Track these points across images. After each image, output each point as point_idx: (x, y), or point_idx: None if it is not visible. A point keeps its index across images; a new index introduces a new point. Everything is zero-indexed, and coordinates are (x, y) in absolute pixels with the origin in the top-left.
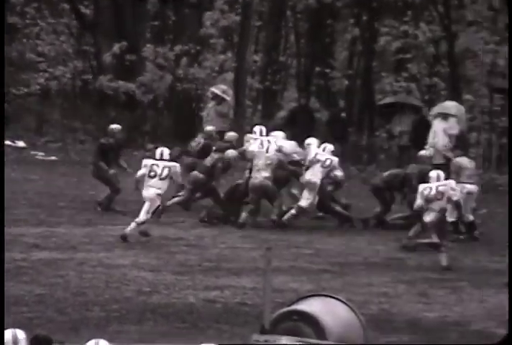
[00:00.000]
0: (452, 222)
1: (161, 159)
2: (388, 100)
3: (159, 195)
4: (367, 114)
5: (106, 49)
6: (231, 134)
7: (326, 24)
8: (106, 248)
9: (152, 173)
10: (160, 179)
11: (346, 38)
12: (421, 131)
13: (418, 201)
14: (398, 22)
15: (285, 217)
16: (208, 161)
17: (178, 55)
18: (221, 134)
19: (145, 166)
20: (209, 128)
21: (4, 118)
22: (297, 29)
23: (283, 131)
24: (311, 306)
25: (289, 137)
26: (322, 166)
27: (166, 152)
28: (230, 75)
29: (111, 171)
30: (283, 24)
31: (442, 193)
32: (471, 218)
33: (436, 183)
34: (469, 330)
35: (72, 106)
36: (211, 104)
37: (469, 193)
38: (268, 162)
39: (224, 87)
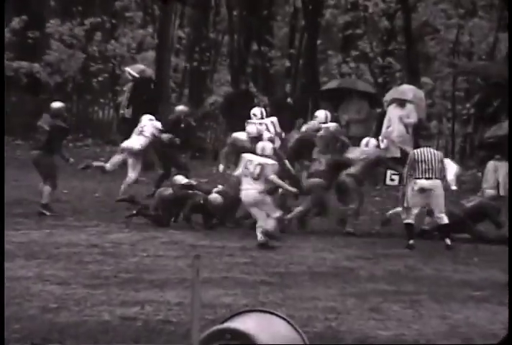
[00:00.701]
0: (409, 225)
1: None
2: (332, 84)
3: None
4: (311, 101)
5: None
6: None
7: None
8: (6, 257)
9: (246, 171)
10: (253, 179)
11: (287, 11)
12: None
13: None
14: None
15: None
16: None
17: (89, 30)
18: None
19: (242, 162)
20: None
21: (4, 118)
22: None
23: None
24: (246, 323)
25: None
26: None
27: (268, 146)
28: (151, 54)
29: (71, 160)
30: None
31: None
32: (444, 220)
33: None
34: None
35: None
36: (128, 87)
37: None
38: (363, 156)
39: (141, 66)
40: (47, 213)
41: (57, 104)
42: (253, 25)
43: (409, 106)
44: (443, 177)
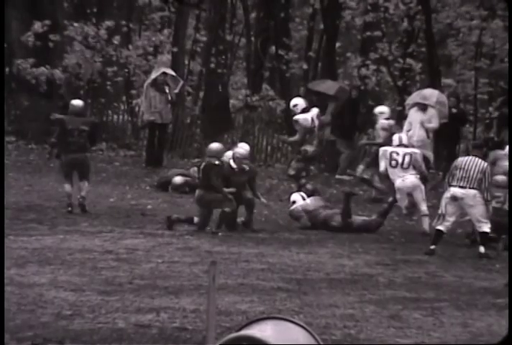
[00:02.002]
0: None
1: (400, 144)
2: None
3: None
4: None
5: (19, 28)
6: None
7: None
8: (18, 263)
9: (393, 162)
10: (403, 168)
11: (305, 13)
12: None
13: None
14: None
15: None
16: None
17: (106, 34)
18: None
19: (383, 155)
20: None
21: (4, 118)
22: (245, 2)
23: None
24: (263, 331)
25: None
26: None
27: (404, 137)
28: (167, 57)
29: None
30: None
31: None
32: (484, 228)
33: None
34: None
35: None
36: (152, 91)
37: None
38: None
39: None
40: (86, 209)
41: (78, 102)
42: (270, 27)
43: (431, 111)
44: (481, 188)
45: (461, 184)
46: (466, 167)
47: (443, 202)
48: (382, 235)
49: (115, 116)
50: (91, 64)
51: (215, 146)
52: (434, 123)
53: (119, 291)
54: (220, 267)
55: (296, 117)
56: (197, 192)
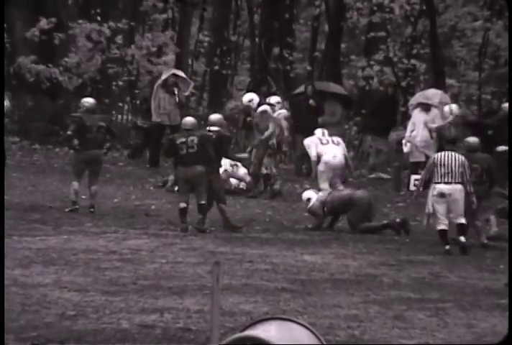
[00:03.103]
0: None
1: None
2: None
3: None
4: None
5: (23, 28)
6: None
7: None
8: (22, 264)
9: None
10: None
11: (309, 13)
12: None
13: None
14: None
15: None
16: None
17: (110, 33)
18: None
19: None
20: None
21: (4, 118)
22: (250, 2)
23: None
24: (267, 332)
25: None
26: None
27: None
28: (171, 57)
29: None
30: None
31: None
32: (461, 220)
33: None
34: None
35: None
36: (162, 92)
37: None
38: None
39: (173, 70)
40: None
41: (90, 100)
42: (275, 28)
43: (434, 111)
44: (464, 182)
45: (446, 180)
46: (447, 163)
47: (429, 201)
48: (387, 235)
49: (119, 116)
50: (94, 63)
51: (189, 119)
52: (438, 124)
53: (123, 291)
54: (224, 268)
55: (263, 108)
56: (196, 168)
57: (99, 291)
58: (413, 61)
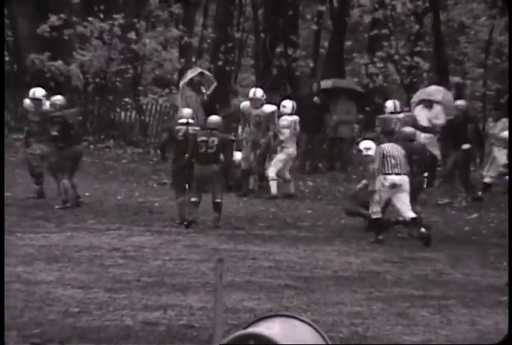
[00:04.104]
0: None
1: None
2: (327, 84)
3: None
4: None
5: (27, 25)
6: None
7: None
8: (26, 261)
9: None
10: None
11: (313, 10)
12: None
13: None
14: None
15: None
16: None
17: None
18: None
19: None
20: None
21: (4, 118)
22: None
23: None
24: (271, 329)
25: None
26: None
27: None
28: (175, 54)
29: None
30: None
31: None
32: (411, 214)
33: None
34: None
35: None
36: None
37: None
38: None
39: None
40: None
41: (60, 97)
42: (279, 25)
43: (437, 108)
44: (407, 173)
45: (396, 171)
46: (394, 154)
47: (378, 190)
48: (390, 232)
49: (123, 113)
50: (99, 60)
51: (214, 118)
52: (441, 120)
53: (126, 288)
54: (227, 265)
55: (273, 108)
56: (213, 166)
57: (102, 288)
58: (416, 59)
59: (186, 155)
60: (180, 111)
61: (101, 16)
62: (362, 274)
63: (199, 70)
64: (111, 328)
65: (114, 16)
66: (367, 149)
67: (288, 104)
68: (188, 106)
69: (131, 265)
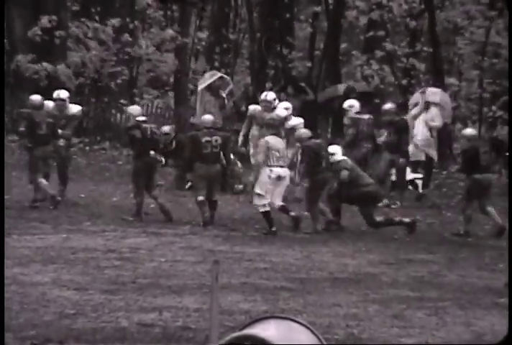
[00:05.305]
0: None
1: None
2: (339, 91)
3: None
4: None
5: (22, 26)
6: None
7: None
8: (22, 262)
9: None
10: None
11: (309, 12)
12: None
13: None
14: None
15: None
16: None
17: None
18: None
19: None
20: None
21: (4, 118)
22: (249, 0)
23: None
24: (266, 330)
25: None
26: None
27: None
28: (170, 56)
29: None
30: None
31: None
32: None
33: None
34: None
35: None
36: (207, 96)
37: None
38: None
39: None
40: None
41: (38, 97)
42: (274, 26)
43: (434, 109)
44: (291, 167)
45: (280, 163)
46: (277, 147)
47: (262, 182)
48: (386, 234)
49: (118, 115)
50: (94, 61)
51: (208, 117)
52: (438, 122)
53: (122, 290)
54: (223, 266)
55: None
56: (217, 166)
57: (98, 290)
58: (412, 60)
59: (152, 153)
60: (197, 116)
61: (97, 18)
62: (358, 276)
63: (218, 74)
64: (107, 329)
65: (110, 18)
66: (332, 154)
67: (289, 106)
68: (206, 111)
69: (127, 267)
